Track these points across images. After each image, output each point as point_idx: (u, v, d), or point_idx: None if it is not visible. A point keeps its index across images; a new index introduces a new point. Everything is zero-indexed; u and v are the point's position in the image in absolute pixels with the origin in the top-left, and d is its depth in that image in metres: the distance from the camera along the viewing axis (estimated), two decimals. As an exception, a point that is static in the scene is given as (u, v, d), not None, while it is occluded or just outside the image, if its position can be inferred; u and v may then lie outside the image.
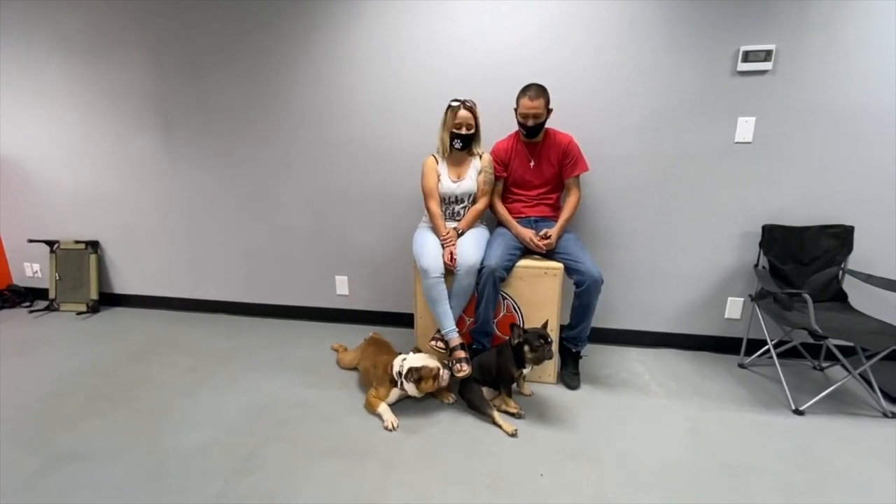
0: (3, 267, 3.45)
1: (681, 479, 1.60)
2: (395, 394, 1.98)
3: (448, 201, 2.25)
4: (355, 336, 2.65)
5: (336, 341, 2.63)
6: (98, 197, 3.15)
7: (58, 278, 3.27)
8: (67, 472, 1.67)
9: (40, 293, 3.40)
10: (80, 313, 3.20)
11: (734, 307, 2.46)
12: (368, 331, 2.68)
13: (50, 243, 3.26)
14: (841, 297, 2.22)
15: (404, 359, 1.99)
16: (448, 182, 2.21)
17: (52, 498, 1.54)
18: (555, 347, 2.14)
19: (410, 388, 1.95)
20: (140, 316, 3.18)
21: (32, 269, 3.44)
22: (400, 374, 1.94)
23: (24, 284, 3.47)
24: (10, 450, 1.79)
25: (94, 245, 3.24)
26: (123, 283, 3.32)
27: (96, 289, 3.25)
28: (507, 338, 2.00)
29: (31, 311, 3.24)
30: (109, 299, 3.34)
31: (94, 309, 3.23)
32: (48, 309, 3.26)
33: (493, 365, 2.02)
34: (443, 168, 2.22)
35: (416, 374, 1.92)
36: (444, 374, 1.97)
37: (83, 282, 3.25)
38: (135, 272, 3.28)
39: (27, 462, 1.72)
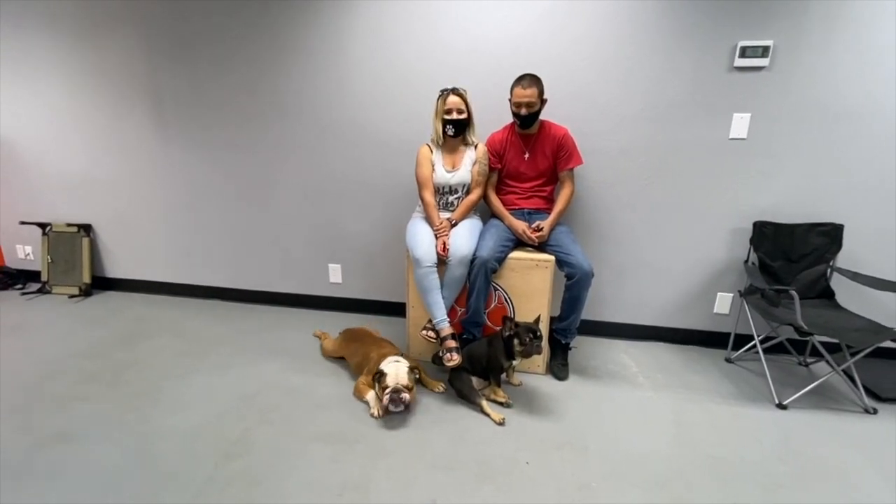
0: (-5, 248, 3.43)
1: (663, 469, 1.63)
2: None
3: (442, 191, 2.25)
4: (347, 324, 2.66)
5: (328, 329, 2.64)
6: (90, 180, 3.13)
7: (50, 261, 3.26)
8: (57, 452, 1.68)
9: (33, 275, 3.39)
10: (72, 296, 3.20)
11: (723, 302, 2.49)
12: (360, 319, 2.70)
13: (42, 226, 3.24)
14: (828, 295, 2.25)
15: (397, 360, 1.95)
16: (442, 171, 2.20)
17: (43, 477, 1.56)
18: (545, 339, 2.17)
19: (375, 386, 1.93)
20: (132, 300, 3.18)
21: (25, 252, 3.42)
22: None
23: (16, 267, 3.45)
24: (1, 430, 1.79)
25: (86, 228, 3.22)
26: (116, 267, 3.31)
27: (89, 272, 3.24)
28: (499, 329, 2.01)
29: (24, 294, 3.23)
30: (102, 283, 3.34)
31: (86, 292, 3.22)
32: (40, 291, 3.26)
33: (483, 355, 2.04)
34: (437, 157, 2.22)
35: (378, 376, 1.89)
36: (385, 400, 1.82)
37: (75, 265, 3.24)
38: (127, 256, 3.27)
39: (18, 442, 1.73)
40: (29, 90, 3.00)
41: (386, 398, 1.83)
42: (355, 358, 2.18)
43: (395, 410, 1.86)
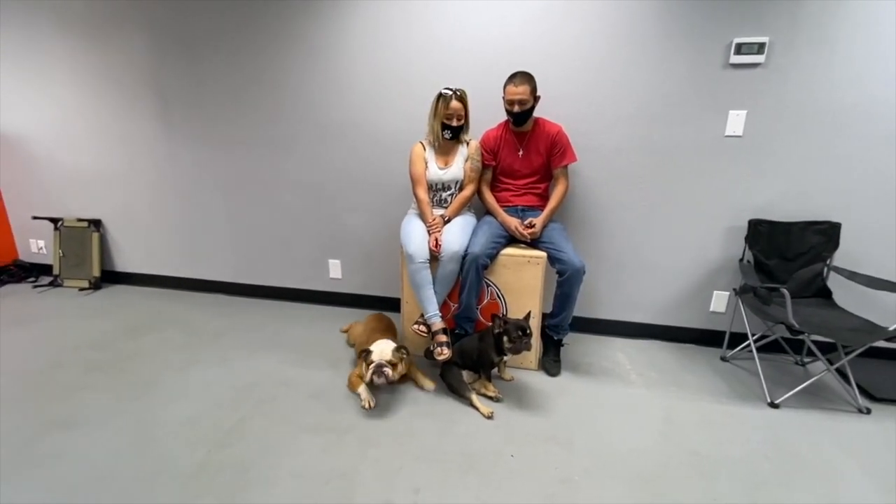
0: (10, 242, 3.55)
1: (647, 466, 1.64)
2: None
3: (435, 188, 2.27)
4: (346, 319, 2.73)
5: (327, 324, 2.71)
6: (99, 176, 3.22)
7: (61, 255, 3.36)
8: (60, 438, 1.75)
9: (45, 269, 3.50)
10: (82, 289, 3.30)
11: (719, 301, 2.48)
12: (359, 314, 2.73)
13: (54, 221, 3.35)
14: (825, 294, 2.22)
15: (387, 341, 2.01)
16: (435, 169, 2.23)
17: (45, 462, 1.63)
18: (536, 335, 2.19)
19: (362, 367, 1.99)
20: (139, 293, 3.26)
21: (38, 246, 3.53)
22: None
23: (29, 260, 3.57)
24: (7, 416, 1.87)
25: (96, 223, 3.32)
26: (124, 262, 3.41)
27: (98, 266, 3.33)
28: (490, 325, 2.03)
29: (36, 286, 3.34)
30: (111, 277, 3.43)
31: (95, 286, 3.32)
32: (52, 285, 3.36)
33: (473, 350, 2.07)
34: (430, 155, 2.25)
35: (364, 353, 1.97)
36: (368, 374, 1.92)
37: (86, 259, 3.34)
38: (135, 251, 3.36)
39: (23, 428, 1.80)
40: (40, 89, 3.10)
41: (369, 372, 1.91)
42: (361, 338, 2.24)
43: (379, 382, 1.93)
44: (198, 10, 2.70)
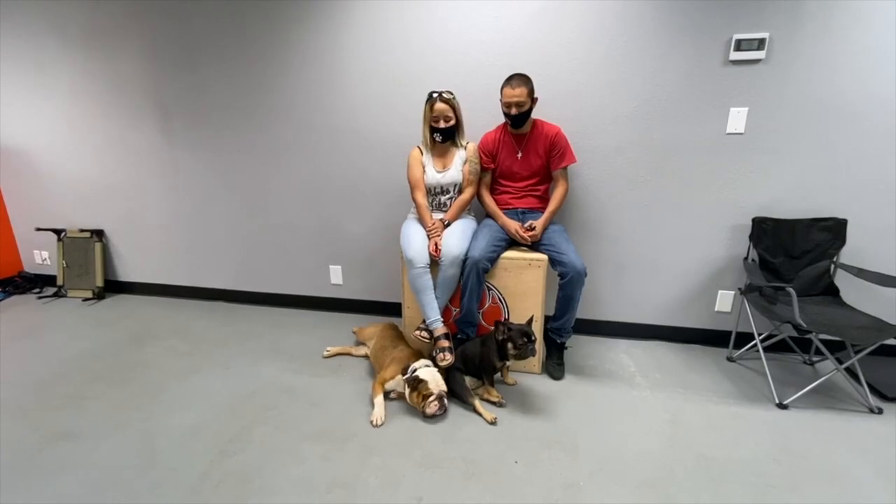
0: (14, 254, 3.57)
1: (653, 469, 1.61)
2: (397, 382, 1.99)
3: (434, 192, 2.26)
4: (348, 325, 2.72)
5: (329, 331, 2.71)
6: (102, 186, 3.23)
7: (65, 266, 3.38)
8: (63, 449, 1.74)
9: (49, 280, 3.52)
10: (86, 300, 3.31)
11: (724, 300, 2.45)
12: (360, 320, 2.73)
13: (57, 231, 3.37)
14: (832, 292, 2.19)
15: (427, 365, 1.97)
16: (433, 173, 2.22)
17: (48, 473, 1.62)
18: (539, 338, 2.16)
19: (404, 388, 1.95)
20: (142, 303, 3.27)
21: (42, 257, 3.55)
22: (412, 373, 1.93)
23: (34, 271, 3.59)
24: (11, 427, 1.88)
25: (99, 234, 3.33)
26: (127, 271, 3.42)
27: (101, 276, 3.34)
28: (492, 330, 2.01)
29: (40, 297, 3.36)
30: (114, 286, 3.45)
31: (99, 295, 3.33)
32: (56, 295, 3.38)
33: (476, 355, 2.05)
34: (428, 159, 2.24)
35: (414, 383, 1.89)
36: (433, 407, 1.86)
37: (89, 269, 3.35)
38: (137, 260, 3.37)
39: (26, 439, 1.80)
40: (40, 99, 3.12)
41: (434, 405, 1.85)
42: (384, 341, 2.23)
43: (438, 413, 1.87)
44: (195, 20, 2.71)
